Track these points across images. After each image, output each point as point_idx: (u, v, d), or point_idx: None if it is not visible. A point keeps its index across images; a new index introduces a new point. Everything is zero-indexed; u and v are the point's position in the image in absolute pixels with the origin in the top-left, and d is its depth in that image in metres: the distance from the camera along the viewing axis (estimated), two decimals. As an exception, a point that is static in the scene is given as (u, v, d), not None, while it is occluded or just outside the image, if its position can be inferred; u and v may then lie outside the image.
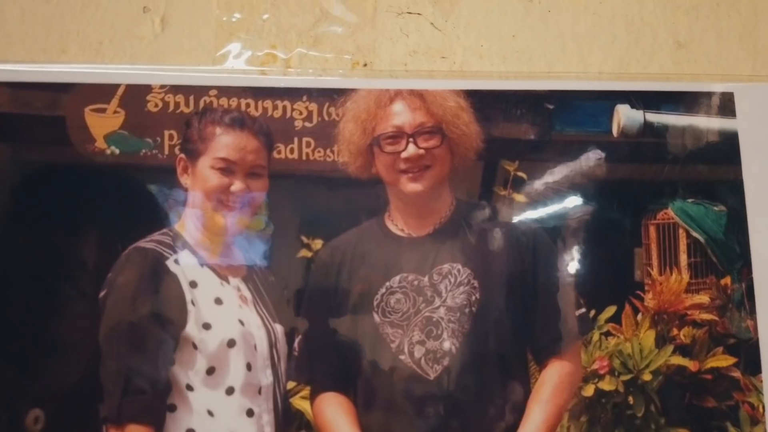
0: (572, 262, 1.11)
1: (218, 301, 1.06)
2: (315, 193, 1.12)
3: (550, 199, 1.14)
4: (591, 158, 1.14)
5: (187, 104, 1.12)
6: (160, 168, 1.10)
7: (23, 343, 1.05)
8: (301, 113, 1.13)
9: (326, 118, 1.13)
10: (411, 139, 1.11)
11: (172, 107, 1.11)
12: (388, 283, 1.09)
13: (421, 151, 1.11)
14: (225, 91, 1.12)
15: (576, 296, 1.10)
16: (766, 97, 1.17)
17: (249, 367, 1.05)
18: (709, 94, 1.16)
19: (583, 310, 1.10)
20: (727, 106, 1.16)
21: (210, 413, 1.04)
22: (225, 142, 1.10)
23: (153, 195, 1.09)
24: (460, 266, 1.09)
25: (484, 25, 1.19)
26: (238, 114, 1.11)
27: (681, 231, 1.13)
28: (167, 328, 1.03)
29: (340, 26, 1.18)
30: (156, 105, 1.11)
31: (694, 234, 1.13)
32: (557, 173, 1.14)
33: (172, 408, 1.03)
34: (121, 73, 1.12)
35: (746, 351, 1.10)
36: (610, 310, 1.10)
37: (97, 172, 1.09)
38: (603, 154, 1.14)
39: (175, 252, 1.07)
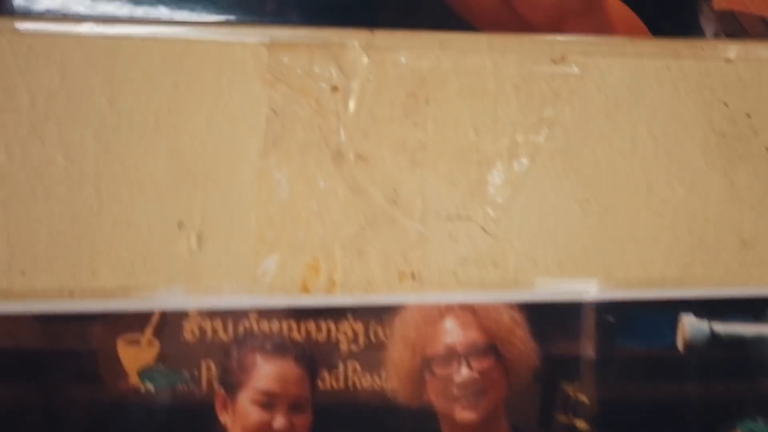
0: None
1: None
2: (362, 427, 1.05)
3: (615, 425, 1.06)
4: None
5: (225, 330, 1.05)
6: (198, 405, 1.03)
7: None
8: (346, 335, 1.06)
9: (373, 339, 1.06)
10: (464, 361, 1.04)
11: (209, 334, 1.04)
12: None
13: (476, 375, 1.04)
14: (265, 313, 1.05)
15: None
16: (839, 300, 1.10)
17: None
18: (778, 299, 1.10)
19: None
20: (798, 311, 1.09)
21: None
22: (266, 373, 1.03)
23: (191, 436, 1.02)
24: (519, 508, 1.02)
25: (538, 229, 1.13)
26: (280, 340, 1.04)
27: (753, 457, 1.06)
28: None
29: (385, 235, 1.11)
30: (193, 333, 1.04)
31: (767, 461, 1.06)
32: (621, 396, 1.07)
33: None
34: (156, 300, 1.05)
35: None
36: None
37: (131, 411, 1.02)
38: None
39: (214, 502, 1.00)
